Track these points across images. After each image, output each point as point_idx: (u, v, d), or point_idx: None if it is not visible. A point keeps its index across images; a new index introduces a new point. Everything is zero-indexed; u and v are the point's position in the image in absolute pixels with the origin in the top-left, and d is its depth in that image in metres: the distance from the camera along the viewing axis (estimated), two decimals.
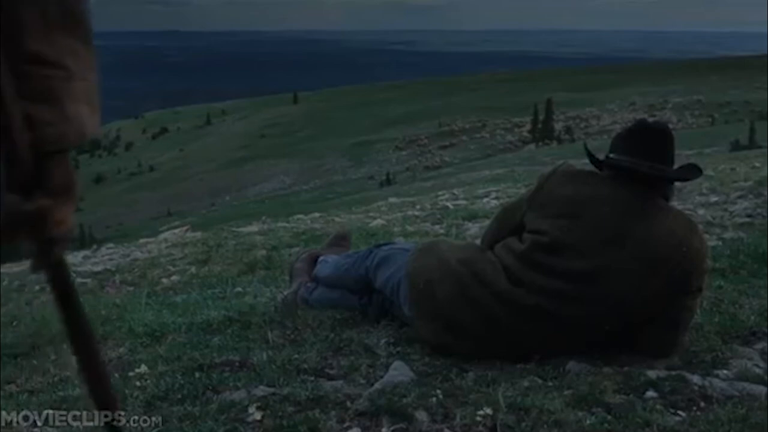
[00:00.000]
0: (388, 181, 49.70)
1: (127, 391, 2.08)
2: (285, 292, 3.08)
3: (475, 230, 5.21)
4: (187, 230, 9.27)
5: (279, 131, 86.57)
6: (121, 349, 2.63)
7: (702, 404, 2.02)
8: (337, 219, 7.31)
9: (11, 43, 0.85)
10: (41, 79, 0.87)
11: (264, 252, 5.19)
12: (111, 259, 6.03)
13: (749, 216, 5.01)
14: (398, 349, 2.45)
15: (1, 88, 0.83)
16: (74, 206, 0.95)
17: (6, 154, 0.87)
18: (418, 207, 7.64)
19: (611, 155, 2.40)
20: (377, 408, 1.97)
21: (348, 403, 2.02)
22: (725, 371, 2.23)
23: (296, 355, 2.37)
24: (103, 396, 1.09)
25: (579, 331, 2.31)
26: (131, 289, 4.64)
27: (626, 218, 2.29)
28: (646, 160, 2.32)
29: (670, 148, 2.39)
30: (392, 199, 10.03)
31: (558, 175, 2.44)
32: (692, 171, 2.49)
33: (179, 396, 2.05)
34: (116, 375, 2.27)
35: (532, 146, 62.52)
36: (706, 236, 2.79)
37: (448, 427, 1.90)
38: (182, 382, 2.15)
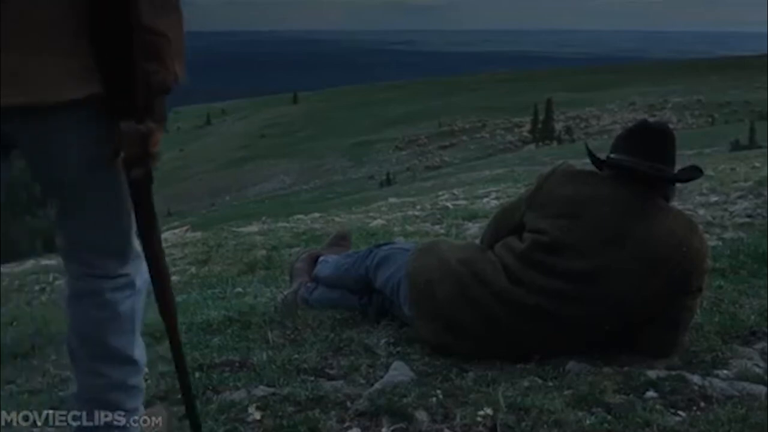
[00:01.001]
0: (388, 181, 49.66)
1: None
2: (285, 292, 3.08)
3: (475, 230, 5.20)
4: (187, 230, 9.27)
5: (279, 131, 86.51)
6: None
7: (702, 404, 2.02)
8: (337, 219, 7.32)
9: (134, 21, 1.31)
10: (153, 44, 1.34)
11: (264, 252, 5.19)
12: None
13: (749, 216, 5.00)
14: (398, 349, 2.44)
15: (134, 53, 1.32)
16: (162, 134, 1.39)
17: (127, 93, 1.33)
18: (418, 207, 7.63)
19: (612, 155, 2.40)
20: (377, 408, 1.97)
21: (348, 403, 2.02)
22: (725, 371, 2.23)
23: (296, 355, 2.37)
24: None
25: (579, 331, 2.31)
26: None
27: (626, 218, 2.29)
28: (646, 159, 2.32)
29: (670, 149, 2.39)
30: (392, 199, 10.03)
31: (557, 175, 2.44)
32: (692, 172, 2.49)
33: (179, 396, 2.05)
34: None
35: (532, 146, 62.50)
36: (706, 236, 2.78)
37: (448, 427, 1.90)
38: None
